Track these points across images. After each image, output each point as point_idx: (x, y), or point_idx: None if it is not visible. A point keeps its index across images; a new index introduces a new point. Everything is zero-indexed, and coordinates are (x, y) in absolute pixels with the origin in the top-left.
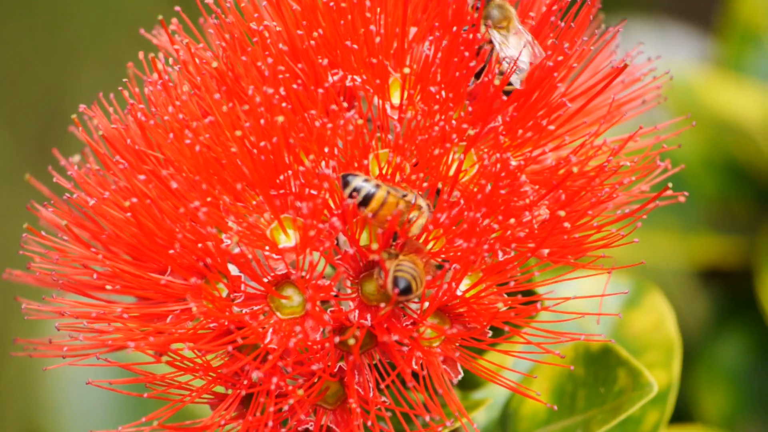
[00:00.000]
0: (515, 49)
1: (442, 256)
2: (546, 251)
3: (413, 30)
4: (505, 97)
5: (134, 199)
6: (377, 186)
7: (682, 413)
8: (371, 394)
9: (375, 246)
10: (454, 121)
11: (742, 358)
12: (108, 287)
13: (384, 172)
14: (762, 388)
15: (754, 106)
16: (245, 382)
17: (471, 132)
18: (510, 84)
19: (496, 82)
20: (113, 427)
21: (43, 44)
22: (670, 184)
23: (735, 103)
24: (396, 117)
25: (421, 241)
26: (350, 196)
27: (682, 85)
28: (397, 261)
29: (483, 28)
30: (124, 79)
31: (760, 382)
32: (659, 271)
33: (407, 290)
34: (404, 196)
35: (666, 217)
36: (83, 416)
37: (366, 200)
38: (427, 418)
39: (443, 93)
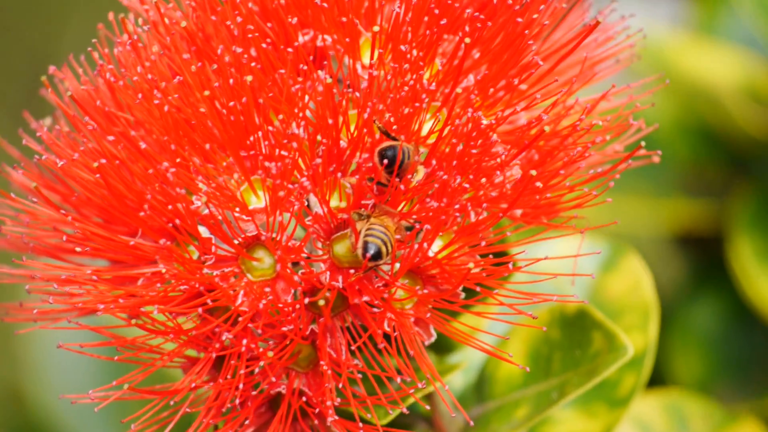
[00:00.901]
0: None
1: (414, 216)
2: (519, 212)
3: None
4: None
5: (103, 160)
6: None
7: (655, 377)
8: (343, 357)
9: (344, 205)
10: (425, 81)
11: (715, 322)
12: (78, 250)
13: (353, 132)
14: (735, 352)
15: (725, 71)
16: (216, 345)
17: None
18: None
19: None
20: (93, 388)
21: (25, 8)
22: (643, 143)
23: (707, 67)
24: (366, 76)
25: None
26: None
27: (656, 47)
28: (368, 224)
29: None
30: (94, 40)
31: (733, 346)
32: (633, 237)
33: (377, 255)
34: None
35: (639, 181)
36: (65, 378)
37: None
38: (399, 381)
39: (414, 52)
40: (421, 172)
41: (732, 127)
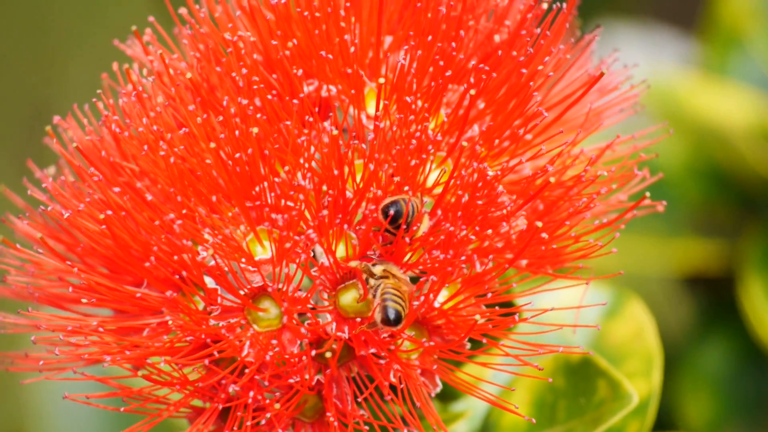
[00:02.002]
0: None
1: (420, 267)
2: (524, 262)
3: (388, 39)
4: None
5: (109, 212)
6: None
7: (665, 420)
8: (349, 407)
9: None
10: (430, 131)
11: (725, 364)
12: (84, 300)
13: (359, 183)
14: (745, 394)
15: (736, 112)
16: (223, 396)
17: (450, 141)
18: None
19: None
20: None
21: (26, 52)
22: (647, 194)
23: (718, 108)
24: (371, 127)
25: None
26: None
27: (666, 89)
28: (382, 288)
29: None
30: (99, 91)
31: (743, 388)
32: (643, 278)
33: (398, 320)
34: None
35: (650, 221)
36: (71, 429)
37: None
38: (405, 431)
39: (419, 102)
40: (426, 223)
41: (743, 167)
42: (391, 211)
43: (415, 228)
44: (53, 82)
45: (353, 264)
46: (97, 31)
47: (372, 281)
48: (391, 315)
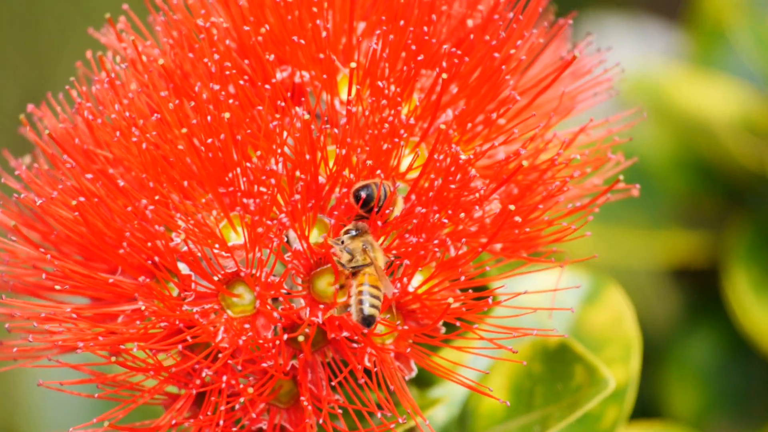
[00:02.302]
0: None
1: (393, 251)
2: (498, 246)
3: (362, 25)
4: None
5: (82, 198)
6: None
7: (651, 411)
8: (324, 392)
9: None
10: (403, 116)
11: (711, 355)
12: (57, 287)
13: (332, 168)
14: (730, 386)
15: (721, 104)
16: (197, 382)
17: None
18: None
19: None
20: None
21: (16, 45)
22: (621, 177)
23: (703, 100)
24: (344, 112)
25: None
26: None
27: (652, 81)
28: (357, 285)
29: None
30: (72, 78)
31: (729, 380)
32: (629, 270)
33: (372, 321)
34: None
35: (635, 213)
36: (57, 414)
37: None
38: (379, 416)
39: (392, 87)
40: (399, 205)
41: (728, 159)
42: (363, 194)
43: (388, 211)
44: (44, 74)
45: (329, 241)
46: (89, 22)
47: (346, 264)
48: (368, 317)
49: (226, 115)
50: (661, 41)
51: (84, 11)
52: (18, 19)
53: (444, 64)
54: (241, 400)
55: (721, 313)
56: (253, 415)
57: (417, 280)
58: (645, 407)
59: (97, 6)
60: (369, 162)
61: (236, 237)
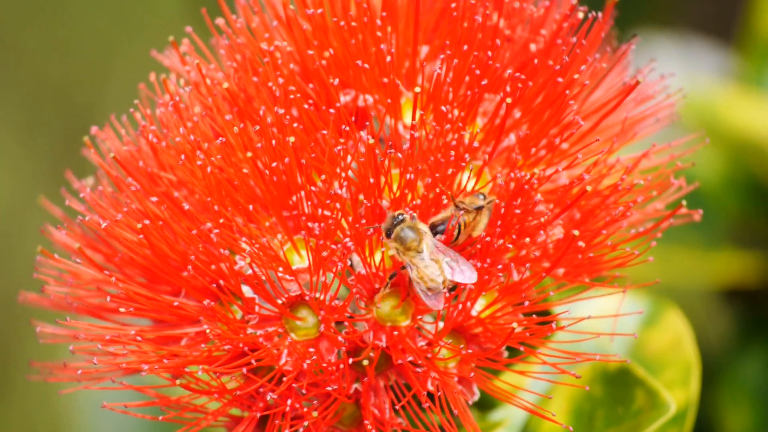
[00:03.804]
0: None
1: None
2: (561, 271)
3: (425, 49)
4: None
5: (147, 221)
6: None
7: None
8: (387, 416)
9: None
10: (466, 141)
11: (765, 375)
12: (122, 310)
13: (395, 192)
14: None
15: None
16: (260, 404)
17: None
18: None
19: None
20: None
21: (63, 64)
22: (684, 202)
23: (755, 121)
24: (408, 136)
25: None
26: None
27: (703, 102)
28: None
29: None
30: (136, 101)
31: None
32: (682, 291)
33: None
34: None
35: (688, 234)
36: None
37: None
38: None
39: (455, 112)
40: (485, 220)
41: None
42: (440, 229)
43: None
44: (92, 94)
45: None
46: (135, 43)
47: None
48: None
49: (291, 138)
50: (708, 61)
51: (128, 33)
52: (64, 38)
53: (508, 88)
54: (305, 423)
55: None
56: None
57: (480, 304)
58: (701, 428)
59: (142, 27)
60: (437, 188)
61: (300, 260)
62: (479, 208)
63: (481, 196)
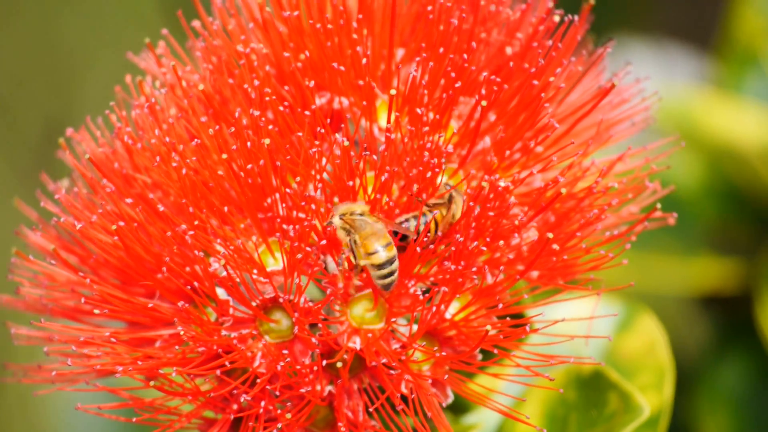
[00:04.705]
0: None
1: (431, 278)
2: (535, 273)
3: (400, 52)
4: None
5: (121, 223)
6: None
7: None
8: (361, 418)
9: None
10: (441, 143)
11: (742, 382)
12: (96, 311)
13: (370, 194)
14: (762, 413)
15: (751, 131)
16: (234, 407)
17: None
18: None
19: None
20: None
21: (39, 67)
22: (658, 205)
23: (733, 127)
24: (383, 139)
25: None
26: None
27: (681, 108)
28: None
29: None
30: (112, 103)
31: (761, 407)
32: (660, 297)
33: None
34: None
35: (666, 240)
36: None
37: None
38: None
39: (430, 114)
40: (459, 207)
41: (759, 186)
42: (404, 227)
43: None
44: (65, 96)
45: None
46: (110, 46)
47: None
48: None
49: (266, 141)
50: (685, 66)
51: (102, 37)
52: (37, 44)
53: (483, 91)
54: (279, 425)
55: (753, 340)
56: None
57: (454, 306)
58: None
59: (118, 30)
60: (414, 187)
61: (275, 263)
62: (449, 199)
63: (447, 186)
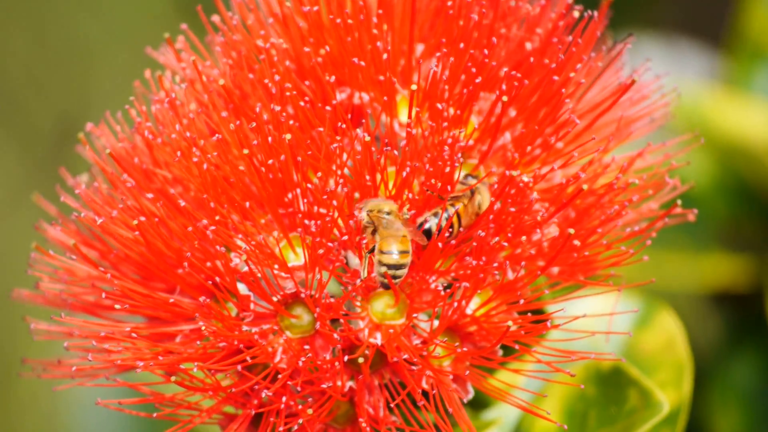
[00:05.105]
0: None
1: (452, 274)
2: (556, 269)
3: (420, 47)
4: None
5: (142, 218)
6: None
7: None
8: (382, 414)
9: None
10: (462, 139)
11: (754, 378)
12: (117, 307)
13: (391, 190)
14: None
15: (761, 128)
16: (255, 402)
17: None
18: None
19: None
20: None
21: (54, 64)
22: (678, 201)
23: (743, 124)
24: (404, 134)
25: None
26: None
27: (691, 105)
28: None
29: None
30: (131, 98)
31: None
32: (672, 294)
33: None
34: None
35: (678, 237)
36: None
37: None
38: None
39: (450, 110)
40: (486, 199)
41: None
42: (425, 227)
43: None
44: (80, 92)
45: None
46: (124, 42)
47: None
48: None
49: (287, 136)
50: (696, 63)
51: (117, 34)
52: (54, 36)
53: (503, 86)
54: (300, 421)
55: (765, 337)
56: None
57: (475, 302)
58: (690, 430)
59: (131, 28)
60: (434, 184)
61: (296, 258)
62: (472, 192)
63: (470, 178)
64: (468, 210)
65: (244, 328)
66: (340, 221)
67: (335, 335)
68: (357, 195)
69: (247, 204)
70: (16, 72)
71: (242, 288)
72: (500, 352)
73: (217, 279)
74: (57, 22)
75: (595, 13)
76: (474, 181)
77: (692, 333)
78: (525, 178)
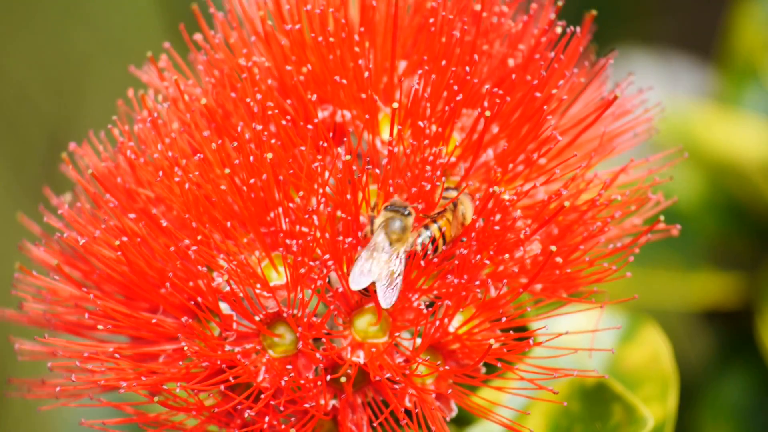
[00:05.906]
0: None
1: (434, 292)
2: (538, 286)
3: (402, 64)
4: None
5: (125, 238)
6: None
7: None
8: None
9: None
10: (444, 156)
11: (744, 396)
12: (100, 327)
13: (373, 208)
14: (765, 426)
15: (751, 145)
16: (238, 421)
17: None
18: None
19: None
20: None
21: (44, 81)
22: (662, 218)
23: (733, 141)
24: (386, 152)
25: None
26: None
27: (681, 121)
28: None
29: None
30: (114, 117)
31: (763, 420)
32: (661, 312)
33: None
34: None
35: (668, 254)
36: None
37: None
38: None
39: (432, 127)
40: (469, 210)
41: (760, 200)
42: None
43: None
44: (70, 109)
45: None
46: (115, 59)
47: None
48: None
49: (269, 155)
50: (688, 79)
51: (108, 51)
52: (43, 58)
53: (485, 103)
54: None
55: (754, 354)
56: None
57: (457, 320)
58: None
59: (122, 45)
60: (419, 205)
61: (278, 277)
62: (455, 205)
63: (450, 190)
64: (453, 223)
65: (227, 347)
66: (322, 240)
67: (318, 354)
68: (339, 213)
69: (229, 223)
70: (7, 90)
71: (225, 307)
72: (483, 370)
73: (200, 299)
74: (50, 40)
75: (578, 29)
76: (455, 193)
77: (682, 350)
78: (507, 197)
